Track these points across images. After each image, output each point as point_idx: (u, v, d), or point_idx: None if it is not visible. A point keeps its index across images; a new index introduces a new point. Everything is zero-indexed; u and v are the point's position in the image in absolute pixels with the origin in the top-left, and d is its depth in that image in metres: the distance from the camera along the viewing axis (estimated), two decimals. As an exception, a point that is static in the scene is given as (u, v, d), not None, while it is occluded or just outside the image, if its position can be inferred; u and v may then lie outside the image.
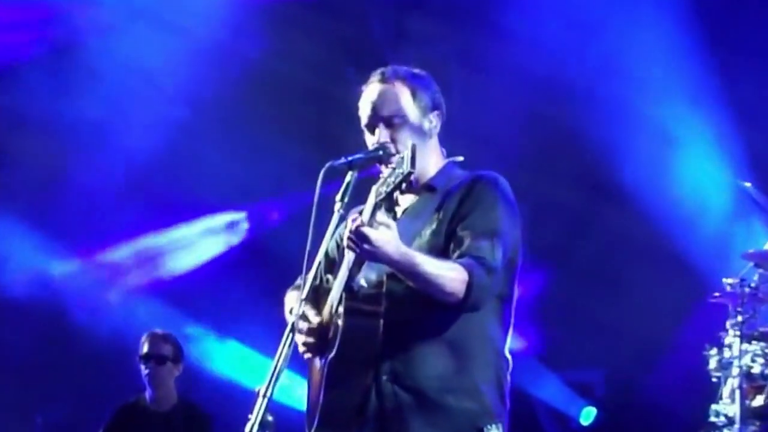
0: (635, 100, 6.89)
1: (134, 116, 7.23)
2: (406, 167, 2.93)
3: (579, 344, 7.39)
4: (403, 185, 2.96)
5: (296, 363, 3.18)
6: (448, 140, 3.48)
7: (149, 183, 7.46)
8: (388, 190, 2.99)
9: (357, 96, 3.42)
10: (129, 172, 7.34)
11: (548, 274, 7.45)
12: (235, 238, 8.19)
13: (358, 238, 2.98)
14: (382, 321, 3.14)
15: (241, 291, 7.72)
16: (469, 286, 3.07)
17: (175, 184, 7.46)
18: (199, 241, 8.10)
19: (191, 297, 7.83)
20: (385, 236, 2.99)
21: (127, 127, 7.23)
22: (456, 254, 3.15)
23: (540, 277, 7.38)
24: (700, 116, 6.80)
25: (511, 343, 3.29)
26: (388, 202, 3.08)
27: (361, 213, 3.28)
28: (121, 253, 7.86)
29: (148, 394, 6.03)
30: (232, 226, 8.20)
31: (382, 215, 3.03)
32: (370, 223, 3.02)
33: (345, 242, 3.07)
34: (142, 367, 5.97)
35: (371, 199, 3.06)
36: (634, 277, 7.11)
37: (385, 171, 3.07)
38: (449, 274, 3.07)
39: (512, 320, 3.33)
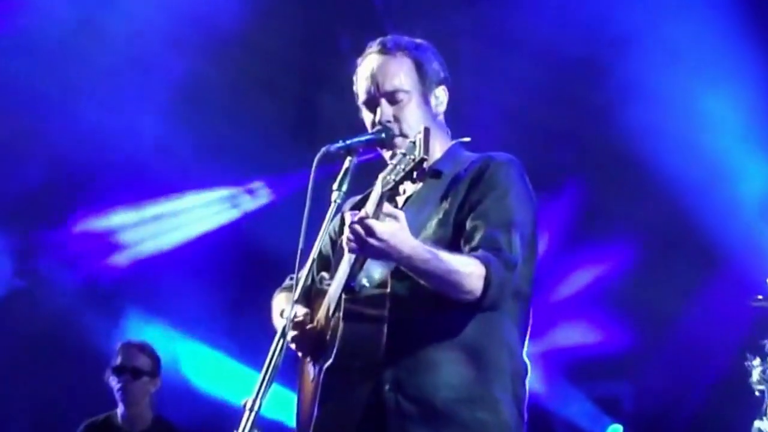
0: (667, 79, 6.83)
1: (103, 88, 7.17)
2: (418, 153, 2.88)
3: (604, 353, 7.35)
4: (415, 174, 2.93)
5: (287, 374, 3.16)
6: (455, 121, 3.46)
7: (115, 156, 7.34)
8: (397, 178, 2.94)
9: (352, 70, 3.40)
10: (94, 144, 7.24)
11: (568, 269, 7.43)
12: (212, 222, 7.99)
13: (364, 231, 2.93)
14: (386, 325, 3.10)
15: (219, 290, 7.59)
16: (487, 281, 3.05)
17: (141, 160, 7.32)
18: (169, 224, 7.89)
19: (161, 295, 7.65)
20: (393, 228, 2.95)
21: (93, 98, 7.17)
22: (468, 247, 3.13)
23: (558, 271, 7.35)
24: (739, 99, 6.77)
25: (526, 344, 3.30)
26: (391, 193, 3.04)
27: (357, 205, 3.29)
28: (87, 231, 7.72)
29: (120, 411, 5.96)
30: (209, 206, 7.98)
31: (388, 206, 3.00)
32: (376, 214, 2.97)
33: (344, 237, 3.02)
34: (115, 380, 5.91)
35: (377, 188, 3.01)
36: (666, 274, 7.05)
37: (394, 157, 3.02)
38: (465, 269, 3.04)
39: (530, 321, 3.32)
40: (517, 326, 3.26)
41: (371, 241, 2.93)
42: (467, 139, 3.43)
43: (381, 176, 3.01)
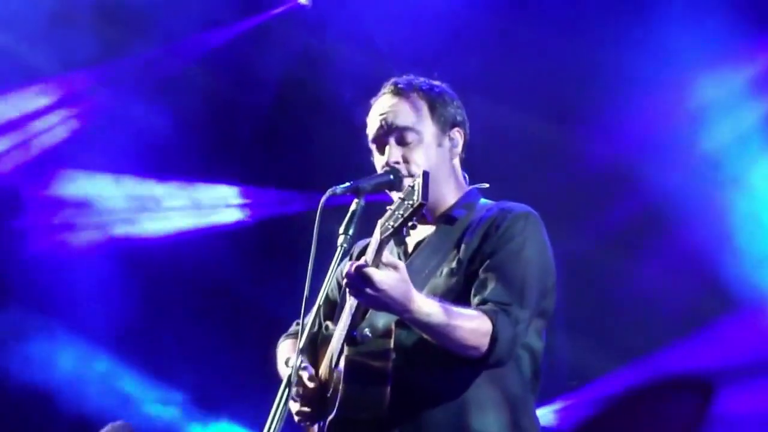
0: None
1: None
2: (416, 198, 3.06)
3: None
4: (414, 219, 3.11)
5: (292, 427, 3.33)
6: (473, 166, 3.74)
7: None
8: (396, 225, 3.12)
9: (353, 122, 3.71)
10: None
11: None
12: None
13: (360, 280, 3.12)
14: (389, 380, 3.31)
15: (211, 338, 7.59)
16: (494, 338, 3.27)
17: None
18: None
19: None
20: (392, 279, 3.13)
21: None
22: (477, 299, 3.36)
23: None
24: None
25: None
26: (397, 237, 3.26)
27: (365, 249, 3.46)
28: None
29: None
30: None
31: (387, 255, 3.18)
32: (375, 263, 3.16)
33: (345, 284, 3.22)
34: None
35: (376, 235, 3.19)
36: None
37: (393, 202, 3.20)
38: (470, 325, 3.25)
39: (539, 378, 3.55)
40: (529, 383, 3.50)
41: (368, 290, 3.13)
42: (485, 186, 3.70)
43: (380, 222, 3.20)
